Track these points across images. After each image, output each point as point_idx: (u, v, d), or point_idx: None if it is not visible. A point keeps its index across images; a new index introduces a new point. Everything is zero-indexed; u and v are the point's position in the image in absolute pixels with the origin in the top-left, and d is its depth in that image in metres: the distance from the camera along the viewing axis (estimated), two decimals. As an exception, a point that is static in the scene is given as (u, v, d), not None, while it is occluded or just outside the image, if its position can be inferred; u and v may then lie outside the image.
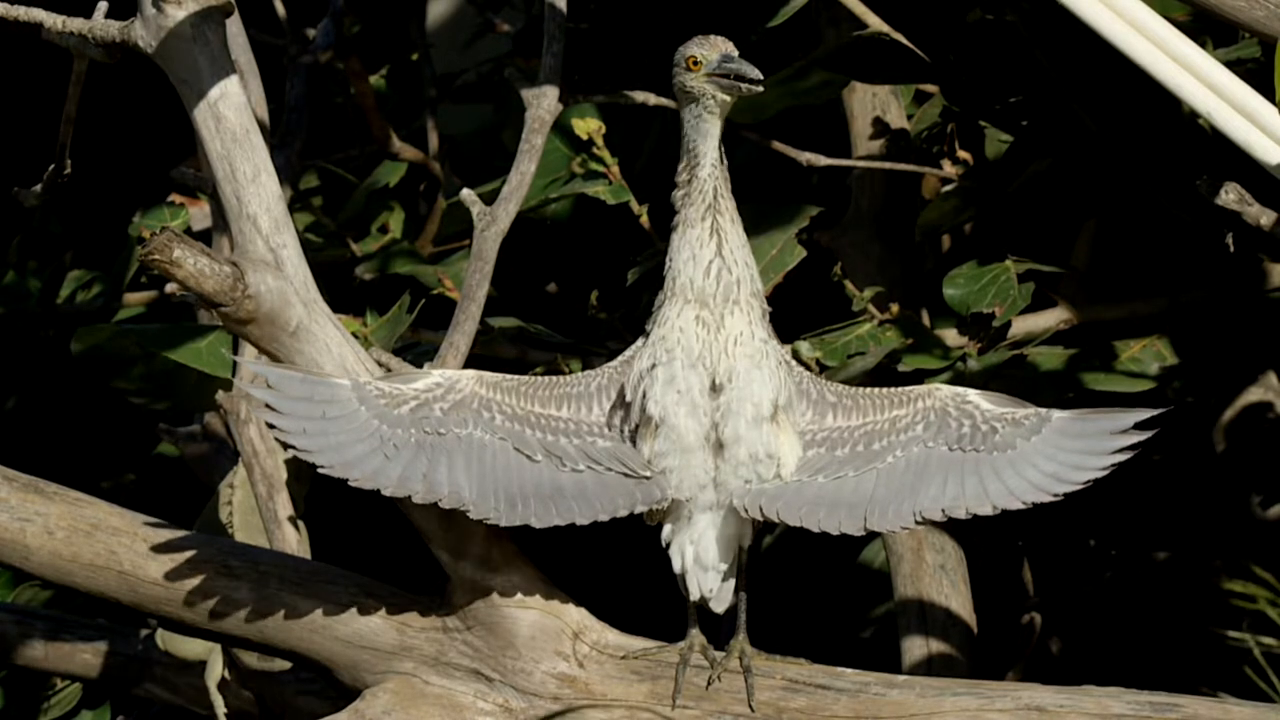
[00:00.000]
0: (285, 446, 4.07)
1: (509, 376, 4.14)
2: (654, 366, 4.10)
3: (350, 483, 4.06)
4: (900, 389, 4.16)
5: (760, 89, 4.06)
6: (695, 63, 4.07)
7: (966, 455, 4.12)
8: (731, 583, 4.21)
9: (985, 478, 4.10)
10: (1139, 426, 4.12)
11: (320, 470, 4.05)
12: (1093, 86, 5.26)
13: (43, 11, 4.36)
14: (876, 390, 4.16)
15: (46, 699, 6.04)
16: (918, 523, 4.09)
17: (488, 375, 4.14)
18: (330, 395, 4.07)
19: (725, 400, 4.09)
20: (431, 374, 4.12)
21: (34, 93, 7.24)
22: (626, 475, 4.11)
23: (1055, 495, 4.11)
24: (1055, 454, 4.12)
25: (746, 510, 4.11)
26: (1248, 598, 4.41)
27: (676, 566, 4.18)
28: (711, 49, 4.06)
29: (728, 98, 4.07)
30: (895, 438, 4.14)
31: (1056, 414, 4.13)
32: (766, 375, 4.10)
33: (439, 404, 4.10)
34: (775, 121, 5.74)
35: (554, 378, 4.16)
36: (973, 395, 4.16)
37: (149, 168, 6.47)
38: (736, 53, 4.06)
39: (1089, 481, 4.12)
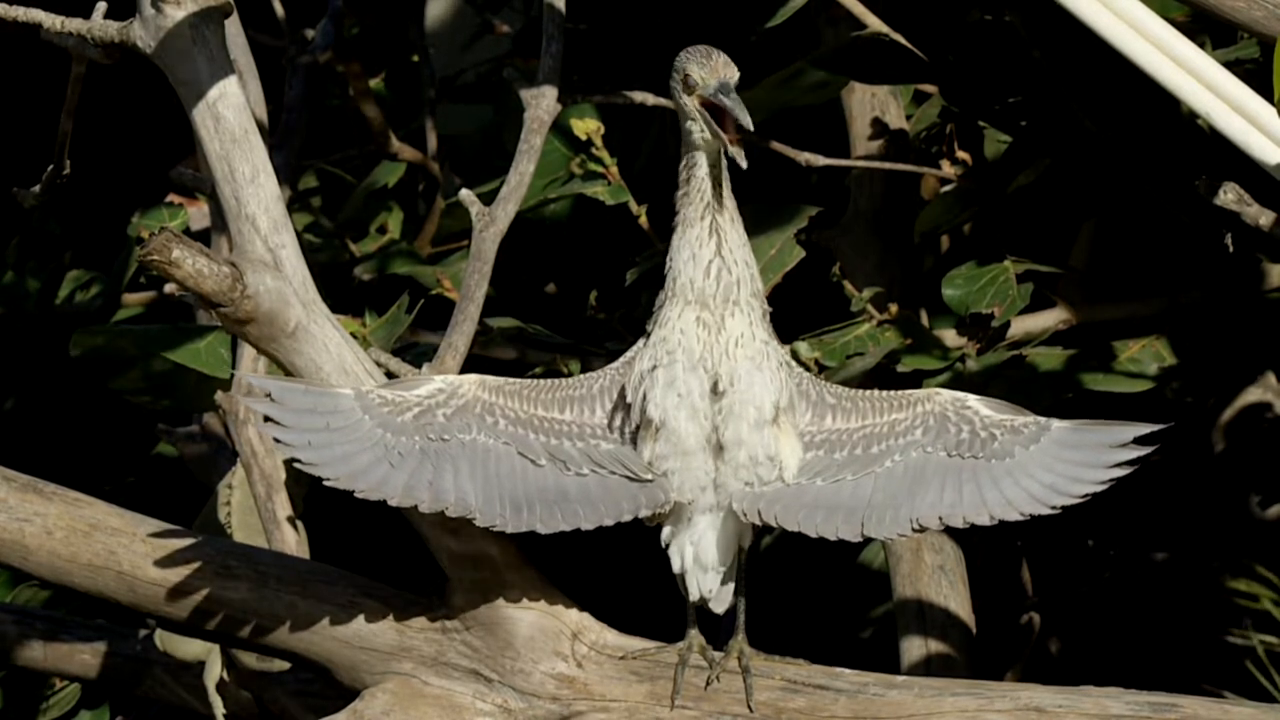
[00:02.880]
0: (292, 462, 4.06)
1: (511, 380, 4.13)
2: (654, 368, 4.09)
3: (356, 494, 4.05)
4: (900, 392, 4.15)
5: (743, 163, 3.98)
6: (691, 82, 4.01)
7: (965, 462, 4.10)
8: (731, 583, 4.20)
9: (983, 486, 4.09)
10: (1139, 441, 4.10)
11: (327, 483, 4.04)
12: (1092, 87, 5.26)
13: (42, 12, 4.35)
14: (876, 393, 4.15)
15: (45, 699, 6.04)
16: (915, 530, 4.08)
17: (490, 379, 4.13)
18: (334, 406, 4.06)
19: (727, 403, 4.08)
20: (434, 379, 4.11)
21: (34, 93, 7.24)
22: (629, 478, 4.10)
23: (1052, 508, 4.08)
24: (1053, 465, 4.10)
25: (745, 514, 4.10)
26: (1251, 596, 4.42)
27: (676, 567, 4.17)
28: (711, 72, 3.98)
29: (712, 139, 4.01)
30: (894, 441, 4.12)
31: (1056, 424, 4.12)
32: (768, 377, 4.09)
33: (442, 410, 4.09)
34: (774, 121, 5.74)
35: (556, 380, 4.15)
36: (973, 401, 4.14)
37: (148, 168, 6.46)
38: (736, 77, 3.99)
39: (1086, 496, 4.09)
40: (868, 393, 4.14)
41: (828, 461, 4.12)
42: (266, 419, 4.04)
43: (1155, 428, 4.10)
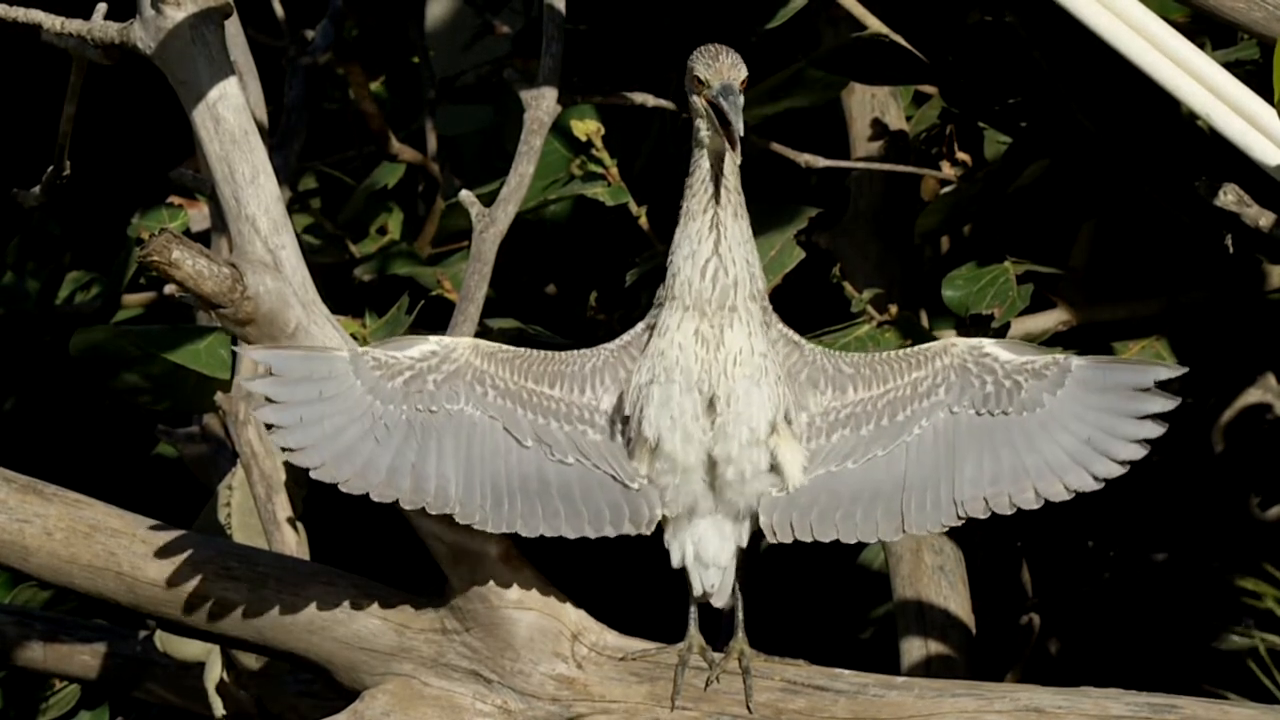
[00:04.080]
0: (282, 450, 4.07)
1: (505, 347, 4.12)
2: (651, 383, 4.08)
3: (341, 486, 4.05)
4: (916, 348, 4.11)
5: (739, 159, 3.99)
6: (699, 81, 4.01)
7: (995, 420, 4.06)
8: (733, 580, 4.20)
9: (1020, 449, 4.04)
10: (1161, 386, 4.07)
11: (313, 474, 4.04)
12: (1091, 88, 5.26)
13: (42, 13, 4.36)
14: (893, 354, 4.11)
15: (45, 700, 6.05)
16: (959, 517, 4.05)
17: (484, 344, 4.12)
18: (328, 371, 4.06)
19: (721, 421, 4.07)
20: (428, 340, 4.11)
21: (34, 93, 7.25)
22: (613, 478, 4.10)
23: (1096, 478, 4.04)
24: (1083, 413, 4.05)
25: (776, 532, 4.08)
26: (1255, 595, 4.42)
27: (676, 562, 4.17)
28: (715, 74, 3.97)
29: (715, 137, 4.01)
30: (919, 405, 4.08)
31: (1075, 361, 4.08)
32: (766, 394, 4.07)
33: (433, 375, 4.08)
34: (774, 122, 5.74)
35: (550, 353, 4.13)
36: (989, 345, 4.10)
37: (148, 169, 6.47)
38: (741, 78, 3.98)
39: (1126, 462, 4.05)
40: (885, 355, 4.11)
41: (855, 440, 4.09)
42: (265, 398, 4.05)
43: (1176, 370, 4.09)
